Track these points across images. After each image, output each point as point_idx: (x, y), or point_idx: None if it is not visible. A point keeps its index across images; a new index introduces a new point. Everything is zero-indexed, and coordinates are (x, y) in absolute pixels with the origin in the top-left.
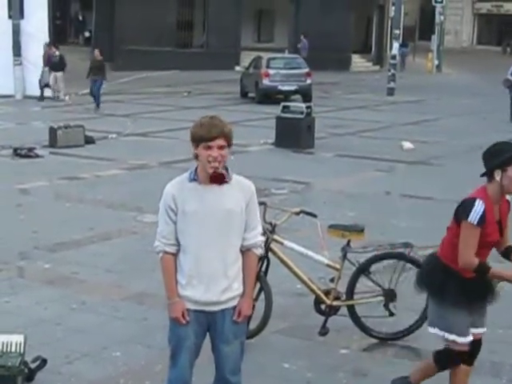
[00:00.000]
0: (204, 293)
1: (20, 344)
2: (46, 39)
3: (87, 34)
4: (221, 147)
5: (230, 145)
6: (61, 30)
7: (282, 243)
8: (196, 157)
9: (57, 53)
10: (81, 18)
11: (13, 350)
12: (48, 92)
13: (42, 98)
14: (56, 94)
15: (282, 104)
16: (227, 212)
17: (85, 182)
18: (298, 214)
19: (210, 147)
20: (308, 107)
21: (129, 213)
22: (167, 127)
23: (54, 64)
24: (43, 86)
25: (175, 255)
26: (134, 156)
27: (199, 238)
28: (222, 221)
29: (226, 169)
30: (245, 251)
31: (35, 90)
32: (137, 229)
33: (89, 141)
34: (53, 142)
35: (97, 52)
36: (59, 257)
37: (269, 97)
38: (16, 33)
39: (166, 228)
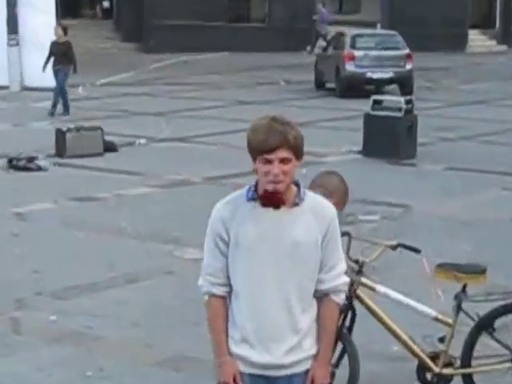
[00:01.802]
0: (263, 352)
1: None
2: (52, 11)
3: (106, 5)
4: (284, 160)
5: (298, 157)
6: (72, 0)
7: (372, 288)
8: (255, 171)
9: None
10: None
11: None
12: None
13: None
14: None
15: (373, 98)
16: (296, 244)
17: (103, 203)
18: (394, 248)
19: (268, 161)
20: (408, 102)
21: (162, 246)
22: (215, 130)
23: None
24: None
25: (225, 299)
26: (169, 169)
27: (257, 279)
28: (290, 256)
29: (297, 185)
30: (321, 298)
31: (37, 80)
32: (173, 268)
33: (109, 148)
34: (61, 150)
35: (59, 30)
36: (68, 305)
37: (354, 88)
38: (11, 3)
39: (214, 263)
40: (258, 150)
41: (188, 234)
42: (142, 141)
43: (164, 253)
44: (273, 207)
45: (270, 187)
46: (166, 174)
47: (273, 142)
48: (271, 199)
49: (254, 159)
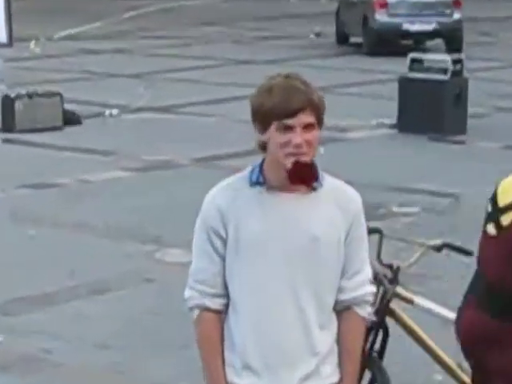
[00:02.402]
0: (272, 382)
1: None
2: None
3: None
4: (307, 127)
5: (320, 124)
6: None
7: (410, 301)
8: (262, 146)
9: None
10: None
11: None
12: None
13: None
14: None
15: (411, 56)
16: (315, 240)
17: (63, 192)
18: (438, 249)
19: (288, 127)
20: (457, 62)
21: (139, 246)
22: (206, 97)
23: None
24: None
25: (221, 314)
26: (148, 147)
27: (264, 287)
28: (306, 256)
29: (315, 167)
30: (341, 312)
31: None
32: (153, 274)
33: (71, 120)
34: (8, 123)
35: None
36: (19, 323)
37: (387, 43)
38: None
39: (207, 267)
40: (275, 113)
41: (172, 231)
42: (114, 111)
43: (141, 255)
44: (305, 184)
45: (289, 162)
46: (144, 153)
47: (295, 102)
48: (303, 173)
49: (264, 128)
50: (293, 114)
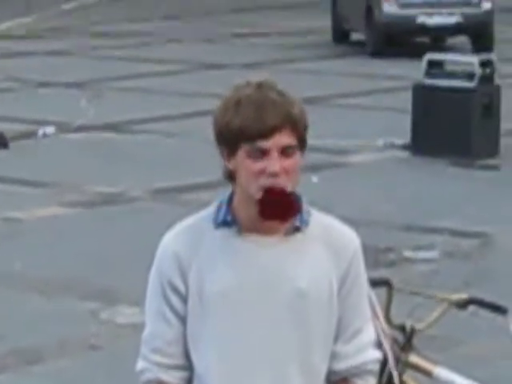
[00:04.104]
0: None
1: None
2: None
3: None
4: (286, 150)
5: (303, 147)
6: None
7: (429, 372)
8: (230, 176)
9: None
10: None
11: None
12: None
13: None
14: None
15: (428, 57)
16: (301, 295)
17: None
18: (463, 305)
19: (262, 152)
20: (486, 64)
21: (82, 304)
22: (167, 111)
23: None
24: None
25: None
26: (94, 176)
27: (239, 355)
28: (290, 315)
29: (296, 197)
30: None
31: None
32: (99, 340)
33: None
34: None
35: None
36: None
37: (397, 41)
38: None
39: (163, 332)
40: (244, 134)
41: (123, 284)
42: (49, 130)
43: (85, 315)
44: (281, 220)
45: (260, 194)
46: (89, 184)
47: (270, 118)
48: (278, 204)
49: (232, 153)
50: (267, 134)
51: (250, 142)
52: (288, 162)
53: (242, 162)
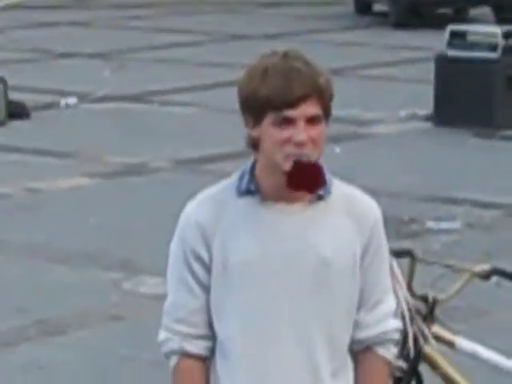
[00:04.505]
0: None
1: None
2: None
3: None
4: (312, 120)
5: (328, 116)
6: None
7: (451, 343)
8: (254, 144)
9: None
10: None
11: None
12: None
13: None
14: None
15: (450, 28)
16: (325, 264)
17: (7, 204)
18: (486, 276)
19: (288, 121)
20: (509, 34)
21: (104, 274)
22: (189, 82)
23: None
24: None
25: (206, 361)
26: (116, 147)
27: (262, 324)
28: (314, 284)
29: (321, 169)
30: (360, 353)
31: None
32: (122, 309)
33: (17, 112)
34: None
35: None
36: None
37: (420, 11)
38: None
39: (186, 301)
40: (271, 103)
41: (146, 255)
42: (71, 100)
43: (107, 285)
44: (309, 191)
45: (289, 164)
46: (111, 154)
47: (297, 88)
48: (306, 176)
49: (257, 122)
50: (294, 103)
51: (277, 110)
52: (314, 132)
53: (268, 130)
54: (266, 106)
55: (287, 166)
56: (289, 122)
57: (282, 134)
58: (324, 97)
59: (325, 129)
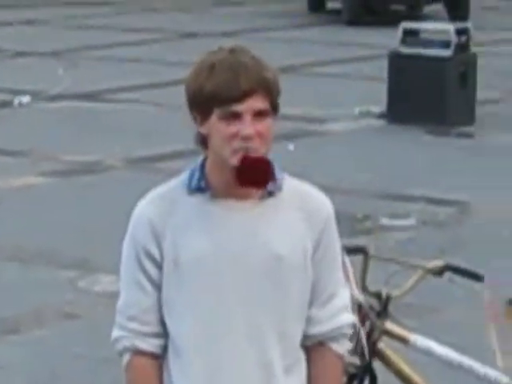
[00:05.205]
0: None
1: None
2: None
3: None
4: (260, 114)
5: (275, 110)
6: None
7: (405, 339)
8: (202, 141)
9: None
10: None
11: None
12: None
13: None
14: None
15: (403, 25)
16: (277, 259)
17: None
18: (439, 272)
19: (235, 115)
20: (462, 32)
21: (59, 272)
22: (142, 80)
23: None
24: None
25: (159, 359)
26: (70, 145)
27: (214, 321)
28: (267, 280)
29: (270, 164)
30: (313, 348)
31: None
32: (77, 308)
33: None
34: None
35: None
36: None
37: (373, 9)
38: None
39: (138, 299)
40: (217, 98)
41: (99, 253)
42: (24, 99)
43: (62, 283)
44: (257, 186)
45: (236, 158)
46: (65, 153)
47: (243, 82)
48: (254, 171)
49: (204, 118)
50: (240, 97)
51: (224, 105)
52: (261, 126)
53: (215, 126)
54: (212, 101)
55: (235, 160)
56: (236, 116)
57: (229, 129)
58: (271, 92)
59: (272, 124)
